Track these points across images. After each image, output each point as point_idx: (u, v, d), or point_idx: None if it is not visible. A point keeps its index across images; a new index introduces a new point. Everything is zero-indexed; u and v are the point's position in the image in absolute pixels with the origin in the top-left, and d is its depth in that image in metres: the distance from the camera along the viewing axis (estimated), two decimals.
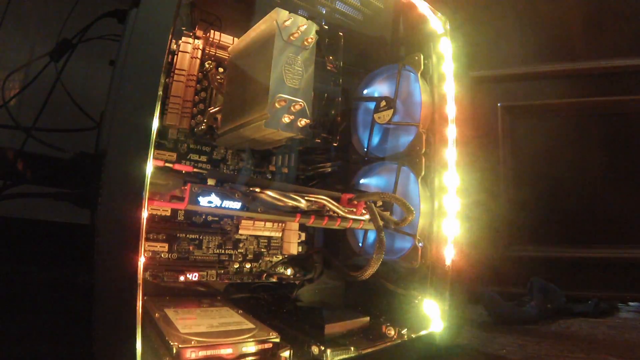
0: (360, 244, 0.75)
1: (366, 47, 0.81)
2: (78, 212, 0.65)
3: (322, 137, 0.71)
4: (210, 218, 0.66)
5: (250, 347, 0.46)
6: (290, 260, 0.72)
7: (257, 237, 0.70)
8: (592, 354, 0.69)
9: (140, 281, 0.36)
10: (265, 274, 0.70)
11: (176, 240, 0.62)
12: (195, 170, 0.50)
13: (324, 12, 0.76)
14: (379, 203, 0.64)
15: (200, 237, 0.65)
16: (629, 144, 1.14)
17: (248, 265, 0.69)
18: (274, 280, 0.70)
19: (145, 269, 0.58)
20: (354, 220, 0.58)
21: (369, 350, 0.56)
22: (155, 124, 0.38)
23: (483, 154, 1.20)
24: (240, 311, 0.57)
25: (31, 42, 1.04)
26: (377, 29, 0.80)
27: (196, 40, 0.63)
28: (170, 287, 0.62)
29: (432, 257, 0.65)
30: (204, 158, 0.66)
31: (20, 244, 0.86)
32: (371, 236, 0.73)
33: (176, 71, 0.60)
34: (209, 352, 0.44)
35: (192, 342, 0.44)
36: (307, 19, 0.53)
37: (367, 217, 0.59)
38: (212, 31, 0.65)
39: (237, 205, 0.49)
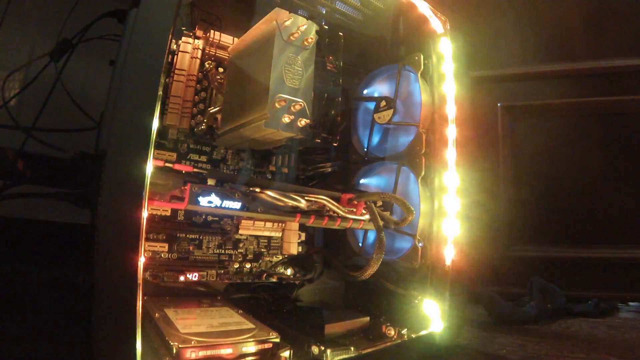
0: (360, 244, 0.75)
1: (366, 47, 0.81)
2: (78, 212, 0.65)
3: (322, 137, 0.71)
4: (210, 218, 0.66)
5: (250, 347, 0.46)
6: (290, 260, 0.72)
7: (257, 237, 0.70)
8: (592, 354, 0.69)
9: (140, 281, 0.36)
10: (265, 274, 0.70)
11: (176, 240, 0.62)
12: (195, 170, 0.50)
13: (324, 12, 0.76)
14: (379, 203, 0.64)
15: (200, 237, 0.65)
16: (629, 144, 1.14)
17: (248, 265, 0.69)
18: (274, 280, 0.70)
19: (145, 269, 0.58)
20: (354, 220, 0.58)
21: (369, 350, 0.56)
22: (155, 124, 0.38)
23: (483, 154, 1.20)
24: (240, 311, 0.57)
25: (31, 42, 1.04)
26: (377, 29, 0.80)
27: (196, 40, 0.63)
28: (170, 287, 0.62)
29: (432, 257, 0.65)
30: (204, 158, 0.66)
31: (20, 244, 0.86)
32: (371, 236, 0.73)
33: (176, 71, 0.60)
34: (209, 352, 0.44)
35: (192, 342, 0.44)
36: (307, 19, 0.53)
37: (367, 217, 0.59)
38: (212, 31, 0.65)
39: (237, 205, 0.49)
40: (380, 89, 0.77)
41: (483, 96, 1.24)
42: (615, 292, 1.10)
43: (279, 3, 0.68)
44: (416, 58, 0.70)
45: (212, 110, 0.63)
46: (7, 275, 0.77)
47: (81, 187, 0.64)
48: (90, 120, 0.79)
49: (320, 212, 0.56)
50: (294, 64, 0.52)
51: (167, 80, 0.59)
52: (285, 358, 0.49)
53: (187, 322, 0.49)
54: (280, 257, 0.73)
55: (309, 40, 0.54)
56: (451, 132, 0.68)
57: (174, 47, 0.61)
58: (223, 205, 0.48)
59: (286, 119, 0.51)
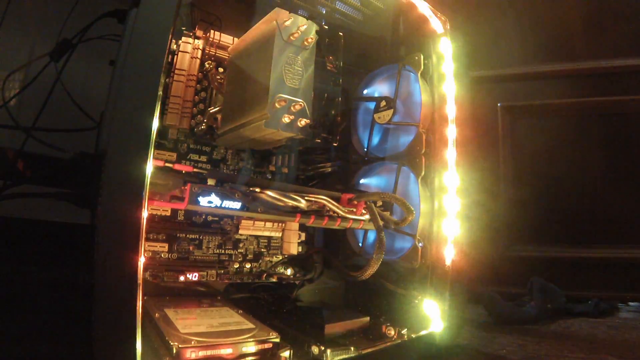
0: (360, 244, 0.75)
1: (366, 47, 0.81)
2: (78, 212, 0.65)
3: (322, 137, 0.71)
4: (210, 218, 0.66)
5: (250, 347, 0.46)
6: (290, 260, 0.72)
7: (257, 237, 0.70)
8: (592, 354, 0.69)
9: (140, 281, 0.36)
10: (265, 274, 0.70)
11: (176, 240, 0.62)
12: (195, 170, 0.50)
13: (324, 12, 0.76)
14: (379, 203, 0.64)
15: (200, 237, 0.65)
16: (629, 144, 1.14)
17: (248, 265, 0.69)
18: (274, 280, 0.70)
19: (145, 269, 0.58)
20: (354, 220, 0.58)
21: (369, 350, 0.56)
22: (155, 124, 0.38)
23: (483, 154, 1.20)
24: (240, 311, 0.57)
25: (31, 42, 1.04)
26: (377, 29, 0.80)
27: (196, 40, 0.63)
28: (170, 287, 0.62)
29: (432, 257, 0.65)
30: (204, 158, 0.66)
31: (20, 244, 0.86)
32: (371, 236, 0.73)
33: (176, 71, 0.60)
34: (209, 352, 0.44)
35: (192, 342, 0.44)
36: (307, 19, 0.53)
37: (367, 217, 0.59)
38: (212, 31, 0.65)
39: (237, 205, 0.49)
40: (380, 89, 0.77)
41: (483, 96, 1.24)
42: (615, 292, 1.10)
43: (279, 3, 0.68)
44: (416, 58, 0.70)
45: (212, 110, 0.63)
46: (7, 275, 0.77)
47: (81, 187, 0.64)
48: (90, 120, 0.79)
49: (320, 212, 0.56)
50: (294, 64, 0.52)
51: (167, 80, 0.59)
52: (285, 358, 0.49)
53: (187, 322, 0.49)
54: (280, 257, 0.73)
55: (309, 40, 0.54)
56: (451, 132, 0.68)
57: (174, 47, 0.61)
58: (223, 205, 0.48)
59: (286, 119, 0.51)
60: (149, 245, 0.59)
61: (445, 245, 0.65)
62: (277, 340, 0.49)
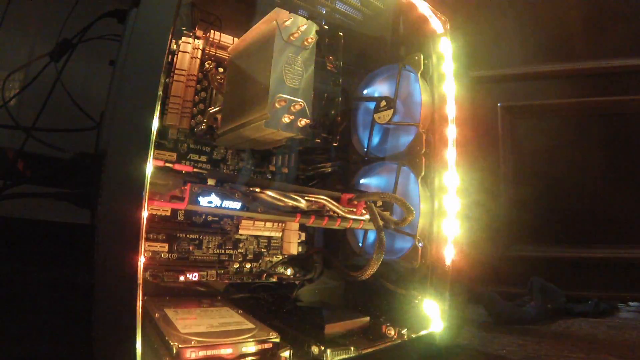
0: (360, 244, 0.75)
1: (366, 47, 0.81)
2: (78, 212, 0.65)
3: (322, 137, 0.71)
4: (210, 218, 0.66)
5: (250, 347, 0.46)
6: (290, 260, 0.72)
7: (257, 237, 0.70)
8: (592, 354, 0.69)
9: (140, 281, 0.36)
10: (265, 274, 0.70)
11: (176, 240, 0.62)
12: (195, 170, 0.50)
13: (324, 12, 0.76)
14: (379, 203, 0.64)
15: (200, 237, 0.65)
16: (629, 144, 1.14)
17: (248, 265, 0.69)
18: (274, 280, 0.70)
19: (145, 269, 0.58)
20: (354, 220, 0.58)
21: (369, 350, 0.56)
22: (155, 124, 0.38)
23: (483, 154, 1.20)
24: (240, 311, 0.57)
25: (31, 42, 1.04)
26: (377, 29, 0.80)
27: (196, 40, 0.63)
28: (170, 287, 0.62)
29: (432, 257, 0.65)
30: (204, 158, 0.66)
31: (20, 244, 0.86)
32: (371, 236, 0.73)
33: (176, 71, 0.60)
34: (209, 352, 0.44)
35: (192, 342, 0.44)
36: (307, 19, 0.53)
37: (367, 217, 0.59)
38: (212, 31, 0.65)
39: (237, 205, 0.49)
40: (380, 89, 0.77)
41: (483, 96, 1.24)
42: (615, 292, 1.10)
43: (279, 3, 0.68)
44: (416, 58, 0.70)
45: (212, 110, 0.63)
46: (7, 275, 0.77)
47: (81, 187, 0.64)
48: (90, 120, 0.79)
49: (320, 212, 0.56)
50: (294, 64, 0.52)
51: (167, 80, 0.59)
52: (285, 358, 0.49)
53: (187, 322, 0.49)
54: (280, 257, 0.73)
55: (309, 40, 0.54)
56: (451, 132, 0.68)
57: (174, 47, 0.61)
58: (223, 205, 0.48)
59: (286, 119, 0.51)
60: (149, 245, 0.59)
61: (445, 245, 0.65)
62: (277, 340, 0.49)
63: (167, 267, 0.60)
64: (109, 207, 0.36)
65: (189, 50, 0.61)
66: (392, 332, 0.61)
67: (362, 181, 0.76)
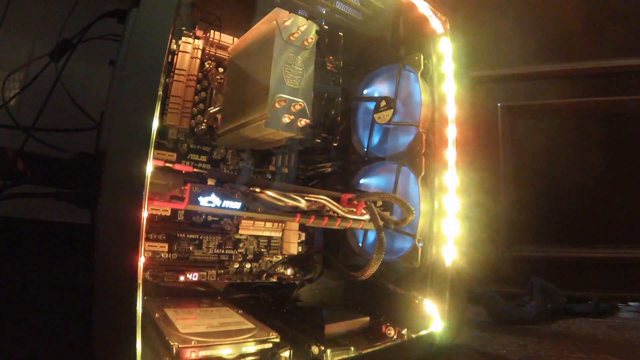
0: (360, 244, 0.75)
1: (366, 47, 0.81)
2: (78, 212, 0.65)
3: (322, 137, 0.71)
4: (210, 218, 0.66)
5: (250, 347, 0.46)
6: (290, 260, 0.72)
7: (257, 237, 0.70)
8: (592, 354, 0.69)
9: (140, 281, 0.36)
10: (265, 274, 0.70)
11: (176, 240, 0.62)
12: (195, 170, 0.50)
13: (324, 12, 0.76)
14: (379, 203, 0.64)
15: (200, 237, 0.65)
16: (629, 144, 1.14)
17: (248, 265, 0.69)
18: (274, 280, 0.70)
19: (145, 269, 0.58)
20: (354, 220, 0.58)
21: (369, 350, 0.56)
22: (155, 124, 0.38)
23: (483, 154, 1.20)
24: (240, 311, 0.57)
25: (31, 42, 1.04)
26: (377, 29, 0.80)
27: (196, 40, 0.63)
28: (170, 287, 0.62)
29: (432, 257, 0.65)
30: (204, 158, 0.66)
31: (20, 244, 0.86)
32: (371, 236, 0.73)
33: (176, 71, 0.60)
34: (209, 352, 0.44)
35: (192, 342, 0.44)
36: (307, 19, 0.53)
37: (367, 217, 0.59)
38: (212, 31, 0.65)
39: (237, 205, 0.49)
40: (380, 89, 0.77)
41: (483, 96, 1.24)
42: (615, 292, 1.10)
43: (279, 3, 0.68)
44: (416, 58, 0.70)
45: (212, 110, 0.63)
46: (7, 275, 0.77)
47: (81, 187, 0.64)
48: (90, 120, 0.79)
49: (320, 212, 0.56)
50: (294, 64, 0.52)
51: (167, 80, 0.59)
52: (285, 358, 0.49)
53: (187, 322, 0.49)
54: (280, 257, 0.73)
55: (309, 40, 0.54)
56: (451, 132, 0.68)
57: (174, 47, 0.61)
58: (223, 205, 0.48)
59: (286, 119, 0.51)
60: (149, 245, 0.59)
61: (445, 245, 0.65)
62: (277, 340, 0.49)
63: (167, 267, 0.60)
64: (109, 207, 0.36)
65: (189, 50, 0.61)
66: (392, 332, 0.61)
67: (362, 181, 0.76)
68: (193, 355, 0.43)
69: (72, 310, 0.59)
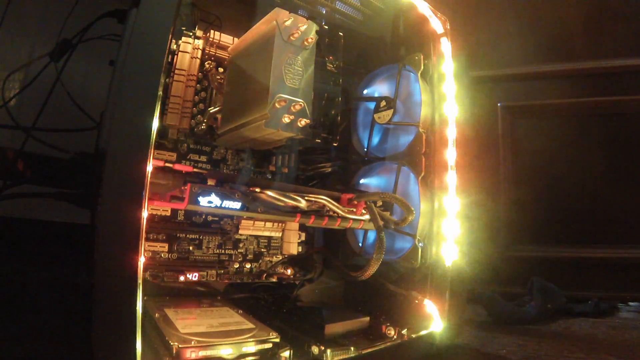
0: (360, 244, 0.75)
1: (366, 47, 0.81)
2: (78, 212, 0.65)
3: (322, 137, 0.71)
4: (210, 218, 0.66)
5: (250, 347, 0.46)
6: (290, 260, 0.72)
7: (257, 237, 0.70)
8: (592, 354, 0.69)
9: (140, 281, 0.36)
10: (265, 274, 0.70)
11: (176, 240, 0.62)
12: (195, 170, 0.50)
13: (324, 12, 0.76)
14: (379, 203, 0.64)
15: (200, 237, 0.65)
16: (629, 144, 1.15)
17: (248, 265, 0.69)
18: (274, 280, 0.70)
19: (145, 269, 0.58)
20: (354, 220, 0.58)
21: (369, 350, 0.56)
22: (155, 124, 0.38)
23: (483, 154, 1.20)
24: (240, 311, 0.57)
25: (31, 42, 1.04)
26: (377, 29, 0.80)
27: (196, 40, 0.63)
28: (170, 287, 0.62)
29: (432, 257, 0.65)
30: (204, 158, 0.66)
31: (20, 244, 0.86)
32: (371, 236, 0.73)
33: (176, 71, 0.60)
34: (209, 352, 0.44)
35: (192, 342, 0.44)
36: (307, 19, 0.53)
37: (367, 217, 0.58)
38: (212, 31, 0.65)
39: (237, 205, 0.49)
40: (380, 89, 0.77)
41: (483, 96, 1.24)
42: (615, 292, 1.10)
43: (279, 3, 0.68)
44: (416, 58, 0.70)
45: (212, 110, 0.63)
46: (7, 275, 0.77)
47: (81, 187, 0.64)
48: (90, 120, 0.79)
49: (320, 212, 0.56)
50: (294, 64, 0.52)
51: (167, 80, 0.59)
52: (285, 358, 0.49)
53: (187, 322, 0.49)
54: (280, 257, 0.73)
55: (309, 40, 0.54)
56: (451, 132, 0.68)
57: (174, 47, 0.61)
58: (223, 205, 0.48)
59: (286, 119, 0.51)
60: (149, 245, 0.59)
61: (445, 245, 0.65)
62: (277, 340, 0.49)
63: (167, 267, 0.60)
64: (109, 207, 0.36)
65: (189, 50, 0.61)
66: (392, 332, 0.61)
67: (362, 181, 0.76)
68: (193, 355, 0.43)
69: (72, 310, 0.59)
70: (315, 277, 0.72)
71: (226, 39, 0.66)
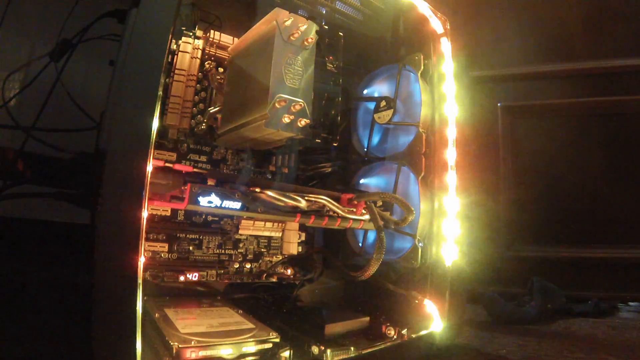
0: (360, 244, 0.75)
1: (366, 47, 0.81)
2: (78, 212, 0.65)
3: (322, 137, 0.71)
4: (210, 218, 0.66)
5: (250, 347, 0.46)
6: (290, 260, 0.72)
7: (257, 237, 0.70)
8: (592, 354, 0.69)
9: (140, 281, 0.36)
10: (265, 274, 0.70)
11: (176, 240, 0.62)
12: (195, 170, 0.50)
13: (324, 12, 0.76)
14: (379, 203, 0.64)
15: (200, 237, 0.65)
16: (629, 144, 1.14)
17: (248, 265, 0.69)
18: (274, 280, 0.70)
19: (145, 269, 0.58)
20: (354, 220, 0.58)
21: (369, 350, 0.56)
22: (155, 124, 0.38)
23: (483, 154, 1.20)
24: (240, 311, 0.57)
25: (31, 42, 1.04)
26: (377, 29, 0.80)
27: (196, 40, 0.63)
28: (170, 287, 0.62)
29: (432, 257, 0.65)
30: (204, 158, 0.66)
31: (20, 244, 0.86)
32: (371, 236, 0.73)
33: (176, 71, 0.60)
34: (208, 352, 0.44)
35: (192, 342, 0.44)
36: (307, 19, 0.53)
37: (367, 217, 0.59)
38: (212, 31, 0.65)
39: (237, 205, 0.49)
40: (380, 89, 0.77)
41: (483, 96, 1.24)
42: (615, 292, 1.10)
43: (279, 3, 0.68)
44: (416, 58, 0.70)
45: (212, 110, 0.63)
46: (7, 275, 0.77)
47: (81, 187, 0.64)
48: (90, 120, 0.79)
49: (320, 212, 0.56)
50: (294, 64, 0.52)
51: (167, 80, 0.59)
52: (285, 358, 0.49)
53: (187, 322, 0.49)
54: (280, 257, 0.73)
55: (309, 40, 0.54)
56: (451, 132, 0.68)
57: (174, 47, 0.61)
58: (223, 205, 0.48)
59: (286, 119, 0.51)
60: (149, 245, 0.59)
61: (445, 245, 0.65)
62: (277, 340, 0.49)
63: (167, 267, 0.60)
64: (109, 207, 0.36)
65: (189, 50, 0.61)
66: (392, 332, 0.61)
67: (362, 181, 0.76)
68: (193, 355, 0.43)
69: (72, 310, 0.59)
70: (315, 277, 0.72)
71: (226, 39, 0.66)
